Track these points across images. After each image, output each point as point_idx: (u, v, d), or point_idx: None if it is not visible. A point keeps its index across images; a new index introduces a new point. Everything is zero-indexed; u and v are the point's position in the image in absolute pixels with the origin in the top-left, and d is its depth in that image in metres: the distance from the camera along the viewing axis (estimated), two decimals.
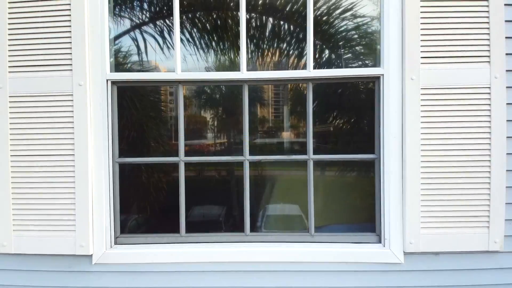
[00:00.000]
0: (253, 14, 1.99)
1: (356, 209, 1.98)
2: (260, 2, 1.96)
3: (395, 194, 1.76)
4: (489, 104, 1.73)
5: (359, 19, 1.90)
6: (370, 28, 1.88)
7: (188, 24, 1.99)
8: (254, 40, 2.03)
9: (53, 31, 1.77)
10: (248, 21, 1.93)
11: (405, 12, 1.73)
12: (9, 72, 1.79)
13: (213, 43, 2.08)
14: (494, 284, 1.83)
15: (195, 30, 2.00)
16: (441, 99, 1.73)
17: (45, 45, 1.78)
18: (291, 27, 2.01)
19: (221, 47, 2.07)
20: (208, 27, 2.00)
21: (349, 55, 1.95)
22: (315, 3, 1.89)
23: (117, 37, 1.99)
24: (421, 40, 1.72)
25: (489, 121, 1.73)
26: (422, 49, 1.72)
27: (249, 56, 1.95)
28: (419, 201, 1.74)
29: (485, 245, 1.78)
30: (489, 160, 1.74)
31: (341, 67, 1.90)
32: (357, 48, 1.90)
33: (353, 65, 1.96)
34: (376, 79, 1.78)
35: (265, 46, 2.06)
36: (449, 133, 1.74)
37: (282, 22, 2.02)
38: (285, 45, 2.01)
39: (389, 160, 1.76)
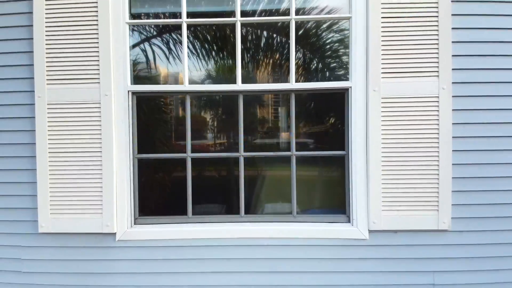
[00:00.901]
0: (249, 38, 2.37)
1: (330, 196, 2.36)
2: (252, 35, 2.34)
3: (361, 183, 2.15)
4: (438, 110, 2.12)
5: (333, 44, 2.29)
6: (341, 49, 2.26)
7: (196, 47, 2.37)
8: (248, 59, 2.41)
9: (83, 51, 2.16)
10: (244, 41, 2.31)
11: (369, 37, 2.11)
12: (47, 84, 2.18)
13: (216, 62, 2.46)
14: (444, 257, 2.22)
15: (201, 52, 2.38)
16: (398, 106, 2.12)
17: (77, 62, 2.16)
18: (278, 50, 2.40)
19: (222, 63, 2.45)
20: (212, 51, 2.38)
21: (325, 70, 2.34)
22: (296, 33, 2.27)
23: (134, 52, 2.37)
24: (382, 59, 2.11)
25: (438, 124, 2.12)
26: (383, 66, 2.11)
27: (244, 71, 2.33)
28: (380, 189, 2.13)
29: (435, 225, 2.17)
30: (438, 156, 2.13)
31: (318, 80, 2.28)
32: (331, 65, 2.28)
33: (329, 77, 2.35)
34: (346, 90, 2.17)
35: (256, 63, 2.45)
36: (405, 133, 2.13)
37: (270, 44, 2.40)
38: (272, 63, 2.39)
39: (356, 156, 2.15)
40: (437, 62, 2.11)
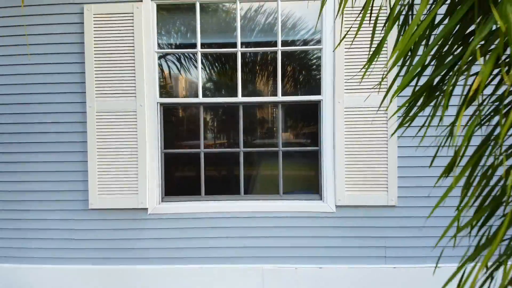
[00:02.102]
0: (247, 60, 3.06)
1: (307, 181, 3.06)
2: (249, 60, 3.02)
3: (330, 171, 2.86)
4: (386, 116, 2.83)
5: (310, 66, 2.99)
6: (316, 71, 2.96)
7: (207, 69, 3.06)
8: (246, 78, 3.10)
9: (123, 72, 2.84)
10: (243, 64, 3.00)
11: (335, 62, 2.82)
12: (95, 97, 2.86)
13: (222, 80, 3.15)
14: (393, 226, 2.92)
15: (211, 72, 3.07)
16: (356, 114, 2.82)
17: (118, 80, 2.85)
18: (268, 71, 3.09)
19: (226, 81, 3.14)
20: (219, 71, 3.07)
21: (304, 87, 3.03)
22: (282, 58, 2.97)
23: (161, 72, 3.06)
24: (344, 79, 2.81)
25: (386, 127, 2.83)
26: (345, 85, 2.81)
27: (242, 88, 3.02)
28: (344, 175, 2.84)
29: (385, 202, 2.88)
30: (387, 151, 2.84)
31: (298, 95, 2.98)
32: (308, 83, 2.98)
33: (307, 92, 3.05)
34: (318, 102, 2.88)
35: (252, 81, 3.14)
36: (362, 134, 2.83)
37: (263, 67, 3.09)
38: (265, 81, 3.08)
39: (326, 151, 2.86)
40: (385, 81, 2.82)
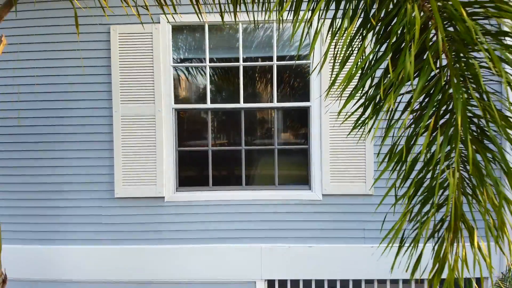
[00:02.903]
0: (248, 72, 3.56)
1: (298, 174, 3.57)
2: (250, 72, 3.52)
3: (317, 166, 3.36)
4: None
5: (301, 77, 3.49)
6: (306, 81, 3.47)
7: (214, 79, 3.56)
8: (247, 86, 3.61)
9: (144, 82, 3.33)
10: (244, 76, 3.50)
11: (321, 74, 3.32)
12: (120, 103, 3.35)
13: (227, 88, 3.65)
14: (370, 212, 3.42)
15: (218, 82, 3.56)
16: (340, 118, 3.33)
17: (139, 89, 3.34)
18: (266, 81, 3.59)
19: (230, 90, 3.64)
20: (224, 81, 3.57)
21: (296, 95, 3.54)
22: (278, 71, 3.47)
23: (176, 82, 3.55)
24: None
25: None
26: (330, 93, 3.32)
27: (244, 95, 3.52)
28: (329, 169, 3.35)
29: (364, 191, 3.39)
30: (364, 148, 3.35)
31: (291, 101, 3.48)
32: (300, 91, 3.48)
33: (298, 99, 3.55)
34: (308, 108, 3.39)
35: (252, 89, 3.64)
36: (344, 135, 3.34)
37: (261, 77, 3.59)
38: (263, 90, 3.59)
39: (314, 148, 3.36)
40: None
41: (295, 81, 3.51)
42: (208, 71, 3.41)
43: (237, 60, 3.41)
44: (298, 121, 3.50)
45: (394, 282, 3.43)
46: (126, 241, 3.42)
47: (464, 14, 1.19)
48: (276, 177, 3.47)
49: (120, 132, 3.33)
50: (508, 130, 1.34)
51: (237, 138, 3.51)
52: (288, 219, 3.39)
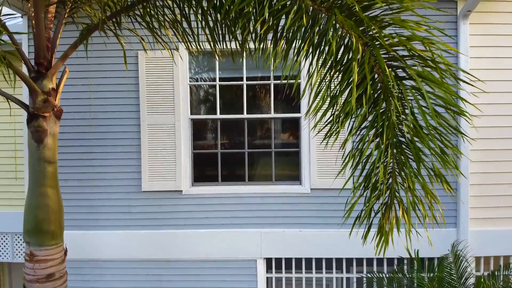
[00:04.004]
0: (250, 89, 4.25)
1: (292, 172, 4.26)
2: (252, 88, 4.21)
3: (306, 165, 4.04)
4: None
5: (293, 93, 4.18)
6: (297, 96, 4.16)
7: (224, 95, 4.25)
8: (250, 100, 4.29)
9: (166, 96, 4.02)
10: (247, 91, 4.19)
11: (312, 91, 4.00)
12: (146, 114, 4.04)
13: (233, 101, 4.34)
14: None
15: (226, 97, 4.26)
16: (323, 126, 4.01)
17: (163, 102, 4.02)
18: (265, 96, 4.28)
19: (236, 103, 4.33)
20: (231, 96, 4.26)
21: (289, 107, 4.23)
22: (275, 88, 4.16)
23: (192, 96, 4.24)
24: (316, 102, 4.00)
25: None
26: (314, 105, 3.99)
27: (247, 107, 4.21)
28: (316, 168, 4.03)
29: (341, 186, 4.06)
30: (344, 151, 4.03)
31: (285, 113, 4.17)
32: (292, 104, 4.17)
33: (291, 111, 4.24)
34: (299, 118, 4.07)
35: (254, 102, 4.32)
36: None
37: (261, 92, 4.28)
38: (262, 103, 4.27)
39: (304, 151, 4.05)
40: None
41: (289, 96, 4.21)
42: (217, 88, 4.11)
43: (241, 79, 4.10)
44: (292, 129, 4.19)
45: (370, 260, 4.12)
46: (150, 227, 4.11)
47: (386, 68, 1.88)
48: (273, 174, 4.16)
49: (146, 138, 4.02)
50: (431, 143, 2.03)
51: (241, 142, 4.20)
52: (283, 208, 4.08)
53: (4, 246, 5.61)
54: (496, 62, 3.92)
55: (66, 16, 2.87)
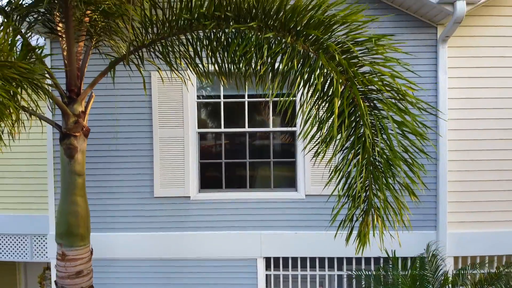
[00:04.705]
0: (251, 105, 4.67)
1: (289, 180, 4.67)
2: (252, 105, 4.62)
3: (301, 174, 4.45)
4: None
5: (289, 111, 4.60)
6: (293, 112, 4.57)
7: (228, 111, 4.67)
8: (251, 115, 4.71)
9: (176, 112, 4.44)
10: (248, 108, 4.60)
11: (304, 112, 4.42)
12: (159, 128, 4.46)
13: (236, 116, 4.76)
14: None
15: (230, 112, 4.67)
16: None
17: (173, 117, 4.44)
18: (264, 111, 4.70)
19: (238, 118, 4.75)
20: (234, 112, 4.68)
21: (287, 122, 4.64)
22: (273, 106, 4.57)
23: (199, 112, 4.66)
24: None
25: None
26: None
27: (248, 121, 4.63)
28: (310, 176, 4.44)
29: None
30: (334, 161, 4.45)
31: (282, 127, 4.59)
32: (289, 120, 4.59)
33: (289, 125, 4.65)
34: (295, 131, 4.49)
35: (254, 117, 4.74)
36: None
37: (260, 109, 4.70)
38: (262, 117, 4.69)
39: (299, 161, 4.46)
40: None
41: (286, 111, 4.63)
42: (222, 104, 4.53)
43: (243, 97, 4.53)
44: (289, 141, 4.62)
45: (358, 259, 4.53)
46: (162, 229, 4.52)
47: (361, 102, 2.30)
48: (272, 182, 4.58)
49: (158, 149, 4.45)
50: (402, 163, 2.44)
51: (243, 152, 4.62)
52: (280, 213, 4.49)
53: (24, 246, 6.04)
54: (472, 81, 4.33)
55: (92, 48, 3.30)
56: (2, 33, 2.09)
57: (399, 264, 3.72)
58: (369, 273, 3.96)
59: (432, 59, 4.31)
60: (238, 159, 4.62)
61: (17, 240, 6.00)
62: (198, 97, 4.57)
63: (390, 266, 4.10)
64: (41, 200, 5.72)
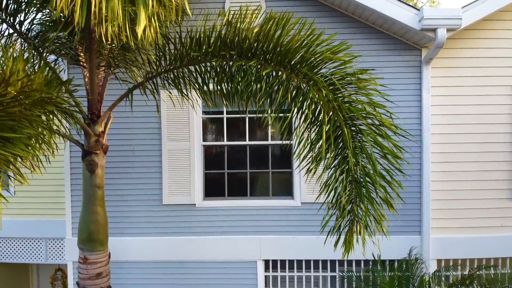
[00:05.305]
0: (251, 121, 5.05)
1: (286, 188, 5.04)
2: (252, 120, 5.00)
3: (297, 183, 4.83)
4: None
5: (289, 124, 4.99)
6: (290, 126, 4.95)
7: (230, 125, 5.05)
8: (251, 129, 5.09)
9: (183, 126, 4.82)
10: (249, 124, 4.98)
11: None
12: (167, 141, 4.84)
13: (237, 131, 5.14)
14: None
15: (232, 126, 5.06)
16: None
17: (180, 131, 4.82)
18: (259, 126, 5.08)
19: (240, 132, 5.13)
20: (236, 126, 5.06)
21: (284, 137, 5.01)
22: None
23: (203, 126, 5.05)
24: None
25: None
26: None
27: (249, 135, 5.00)
28: (305, 185, 4.81)
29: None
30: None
31: (281, 140, 4.96)
32: (287, 136, 4.97)
33: (283, 139, 5.02)
34: (291, 144, 4.87)
35: (254, 131, 5.12)
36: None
37: (260, 123, 5.08)
38: (261, 131, 5.07)
39: (295, 172, 4.85)
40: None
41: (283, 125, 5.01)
42: (225, 120, 4.92)
43: (244, 112, 4.91)
44: (286, 153, 5.00)
45: (349, 261, 4.91)
46: (169, 234, 4.89)
47: (345, 129, 2.68)
48: (270, 190, 4.96)
49: (166, 160, 4.83)
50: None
51: (244, 163, 5.01)
52: (278, 219, 4.86)
53: (39, 249, 6.42)
54: (453, 99, 4.71)
55: (110, 74, 3.69)
56: (39, 72, 2.47)
57: (387, 266, 4.08)
58: (359, 274, 4.33)
59: (417, 79, 4.69)
60: (239, 170, 5.00)
61: (32, 243, 6.37)
62: (203, 113, 4.95)
63: (379, 268, 4.47)
64: (55, 206, 6.12)
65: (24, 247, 6.38)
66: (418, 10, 4.25)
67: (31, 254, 6.39)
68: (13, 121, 2.15)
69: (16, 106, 2.18)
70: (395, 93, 4.67)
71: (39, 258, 6.44)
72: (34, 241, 6.35)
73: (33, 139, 2.43)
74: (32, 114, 2.29)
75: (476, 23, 4.49)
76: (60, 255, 6.32)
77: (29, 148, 2.28)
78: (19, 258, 6.37)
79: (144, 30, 1.77)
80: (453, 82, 4.70)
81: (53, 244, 6.36)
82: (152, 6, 1.72)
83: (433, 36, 4.26)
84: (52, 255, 6.44)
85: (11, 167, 2.20)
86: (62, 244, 6.22)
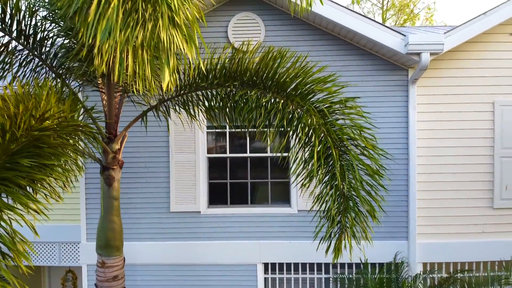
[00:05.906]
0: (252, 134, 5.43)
1: (284, 197, 5.42)
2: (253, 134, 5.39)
3: (294, 192, 5.20)
4: None
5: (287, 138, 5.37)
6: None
7: (232, 139, 5.43)
8: (251, 142, 5.47)
9: (189, 140, 5.20)
10: (250, 139, 5.36)
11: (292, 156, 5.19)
12: (174, 153, 5.22)
13: (238, 143, 5.52)
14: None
15: (234, 140, 5.44)
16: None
17: (186, 145, 5.20)
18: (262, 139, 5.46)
19: (242, 145, 5.51)
20: (237, 140, 5.44)
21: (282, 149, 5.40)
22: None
23: (207, 141, 5.43)
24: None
25: None
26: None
27: (250, 147, 5.38)
28: (301, 195, 5.18)
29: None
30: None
31: (279, 152, 5.34)
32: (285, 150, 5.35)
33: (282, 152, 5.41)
34: (289, 156, 5.25)
35: (255, 144, 5.50)
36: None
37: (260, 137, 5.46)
38: (261, 144, 5.45)
39: (292, 181, 5.22)
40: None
41: (282, 139, 5.39)
42: (227, 133, 5.31)
43: (245, 127, 5.29)
44: (284, 164, 5.39)
45: (342, 264, 5.28)
46: (176, 239, 5.27)
47: (334, 150, 3.06)
48: (270, 199, 5.34)
49: (174, 171, 5.21)
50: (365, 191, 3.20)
51: (245, 174, 5.39)
52: (276, 225, 5.24)
53: (53, 252, 6.79)
54: (437, 115, 5.08)
55: (125, 97, 4.08)
56: (68, 102, 2.86)
57: (376, 269, 4.45)
58: (350, 276, 4.71)
59: (404, 97, 5.06)
60: (240, 180, 5.38)
61: (46, 247, 6.75)
62: (207, 127, 5.34)
63: (368, 270, 4.85)
64: (68, 212, 6.50)
65: (40, 251, 6.75)
66: (404, 36, 4.63)
67: (46, 257, 6.77)
68: (50, 149, 2.53)
69: (52, 135, 2.56)
70: (384, 110, 5.06)
71: (53, 261, 6.81)
72: (49, 245, 6.73)
73: (68, 163, 2.81)
74: (63, 142, 2.67)
75: (459, 45, 4.86)
76: (72, 258, 6.69)
77: (64, 171, 2.66)
78: (35, 261, 6.74)
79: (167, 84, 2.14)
80: (438, 99, 5.07)
81: (67, 247, 6.74)
82: (173, 63, 2.10)
83: (417, 59, 4.63)
84: (65, 258, 6.81)
85: (48, 188, 2.57)
86: (74, 247, 6.61)
